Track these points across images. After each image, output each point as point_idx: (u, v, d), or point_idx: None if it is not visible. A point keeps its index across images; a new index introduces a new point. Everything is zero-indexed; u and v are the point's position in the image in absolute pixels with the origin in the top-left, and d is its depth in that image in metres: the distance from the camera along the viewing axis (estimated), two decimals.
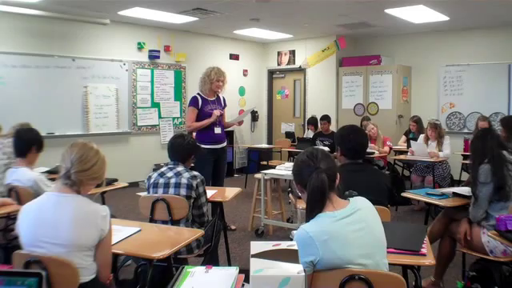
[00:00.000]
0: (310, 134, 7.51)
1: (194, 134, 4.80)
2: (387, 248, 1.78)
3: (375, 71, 8.16)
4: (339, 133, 2.91)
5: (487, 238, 2.80)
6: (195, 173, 3.05)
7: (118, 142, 7.23)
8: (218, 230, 3.33)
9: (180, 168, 3.05)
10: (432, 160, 5.50)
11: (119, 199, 6.01)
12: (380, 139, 6.43)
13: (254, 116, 9.50)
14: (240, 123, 5.28)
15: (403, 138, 7.04)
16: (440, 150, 5.66)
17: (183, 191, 2.95)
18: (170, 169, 3.06)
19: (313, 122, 7.54)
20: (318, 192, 1.68)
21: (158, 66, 7.79)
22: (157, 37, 7.73)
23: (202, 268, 1.47)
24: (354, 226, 1.66)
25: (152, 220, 2.97)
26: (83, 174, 1.93)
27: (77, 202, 1.91)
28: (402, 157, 6.08)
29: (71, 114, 6.69)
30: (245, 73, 9.41)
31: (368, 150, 4.43)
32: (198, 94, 4.71)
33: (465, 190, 3.25)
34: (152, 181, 3.06)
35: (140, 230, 2.42)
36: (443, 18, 6.75)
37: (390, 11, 6.39)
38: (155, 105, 7.79)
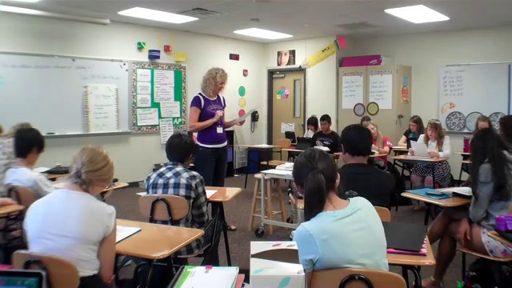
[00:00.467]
0: (310, 133, 7.51)
1: (196, 134, 4.82)
2: (387, 248, 1.78)
3: (375, 71, 8.15)
4: (344, 131, 2.89)
5: (487, 238, 2.80)
6: (194, 173, 3.04)
7: (117, 142, 7.23)
8: (218, 230, 3.33)
9: (179, 168, 3.04)
10: (432, 160, 5.50)
11: (119, 199, 6.00)
12: (380, 139, 6.42)
13: (254, 116, 9.50)
14: (241, 123, 5.31)
15: (403, 138, 7.04)
16: (440, 150, 5.66)
17: (182, 191, 2.95)
18: (169, 169, 3.05)
19: (313, 121, 7.53)
20: (315, 192, 1.68)
21: (158, 66, 7.79)
22: (157, 37, 7.73)
23: (202, 268, 1.47)
24: (354, 226, 1.67)
25: (152, 220, 2.97)
26: (93, 174, 2.03)
27: (85, 199, 2.01)
28: (402, 157, 6.08)
29: (71, 113, 6.67)
30: (245, 73, 9.40)
31: None
32: (200, 94, 4.73)
33: (465, 190, 3.25)
34: (151, 181, 3.06)
35: (140, 230, 2.43)
36: (443, 18, 6.75)
37: (390, 11, 6.39)
38: (155, 105, 7.80)
